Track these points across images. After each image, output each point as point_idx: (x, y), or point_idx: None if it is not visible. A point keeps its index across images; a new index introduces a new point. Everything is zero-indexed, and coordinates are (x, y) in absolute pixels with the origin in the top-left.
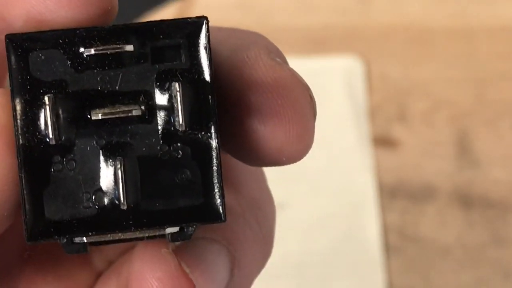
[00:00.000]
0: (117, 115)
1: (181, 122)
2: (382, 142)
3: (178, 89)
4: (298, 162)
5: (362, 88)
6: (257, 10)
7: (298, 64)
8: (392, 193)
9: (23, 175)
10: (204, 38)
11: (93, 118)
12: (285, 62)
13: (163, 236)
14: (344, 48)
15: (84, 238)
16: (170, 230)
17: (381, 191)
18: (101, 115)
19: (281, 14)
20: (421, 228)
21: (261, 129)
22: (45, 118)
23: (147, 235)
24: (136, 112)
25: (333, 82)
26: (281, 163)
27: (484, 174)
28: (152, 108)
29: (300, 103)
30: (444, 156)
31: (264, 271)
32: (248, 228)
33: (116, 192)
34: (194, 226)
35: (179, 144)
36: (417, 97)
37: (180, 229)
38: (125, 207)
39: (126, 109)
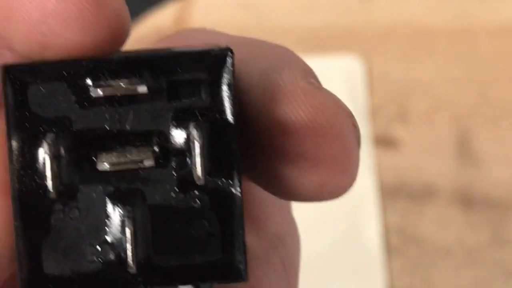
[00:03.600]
0: (126, 166)
1: (200, 175)
2: (382, 142)
3: (197, 138)
4: None
5: (362, 87)
6: (257, 10)
7: None
8: (393, 193)
9: (18, 224)
10: (228, 74)
11: (100, 169)
12: (319, 83)
13: None
14: (345, 47)
15: None
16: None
17: (381, 191)
18: (109, 166)
19: (281, 13)
20: (421, 228)
21: (300, 168)
22: (44, 165)
23: None
24: (148, 163)
25: (333, 82)
26: (322, 199)
27: (485, 174)
28: (167, 151)
29: (344, 135)
30: (445, 156)
31: None
32: (272, 271)
33: (124, 246)
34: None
35: (196, 192)
36: (418, 97)
37: (194, 286)
38: (133, 270)
39: (136, 158)
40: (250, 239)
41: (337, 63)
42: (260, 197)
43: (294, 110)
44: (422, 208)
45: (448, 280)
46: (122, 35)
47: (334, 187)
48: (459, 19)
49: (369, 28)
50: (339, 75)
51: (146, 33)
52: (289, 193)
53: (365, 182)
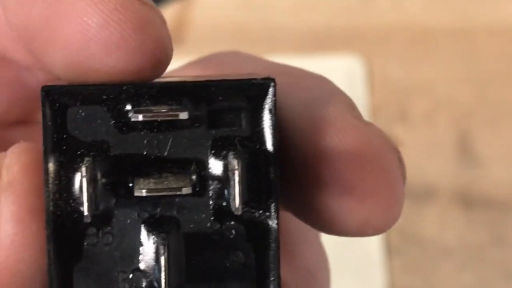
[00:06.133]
0: (163, 193)
1: (237, 205)
2: None
3: (236, 167)
4: None
5: (363, 87)
6: (257, 9)
7: (299, 63)
8: None
9: (51, 249)
10: (271, 103)
11: (136, 194)
12: (362, 116)
13: None
14: (345, 47)
15: None
16: None
17: None
18: (145, 192)
19: (281, 13)
20: (422, 228)
21: (344, 203)
22: (81, 189)
23: None
24: (186, 191)
25: (334, 82)
26: (365, 235)
27: (485, 174)
28: (205, 179)
29: (390, 171)
30: (445, 156)
31: None
32: None
33: (157, 274)
34: None
35: (232, 223)
36: (418, 97)
37: None
38: None
39: (174, 186)
40: (283, 273)
41: (338, 63)
42: (293, 230)
43: (340, 143)
44: (422, 208)
45: (448, 280)
46: (164, 62)
47: (378, 223)
48: (459, 19)
49: (369, 28)
50: (340, 75)
51: None
52: (332, 227)
53: None
